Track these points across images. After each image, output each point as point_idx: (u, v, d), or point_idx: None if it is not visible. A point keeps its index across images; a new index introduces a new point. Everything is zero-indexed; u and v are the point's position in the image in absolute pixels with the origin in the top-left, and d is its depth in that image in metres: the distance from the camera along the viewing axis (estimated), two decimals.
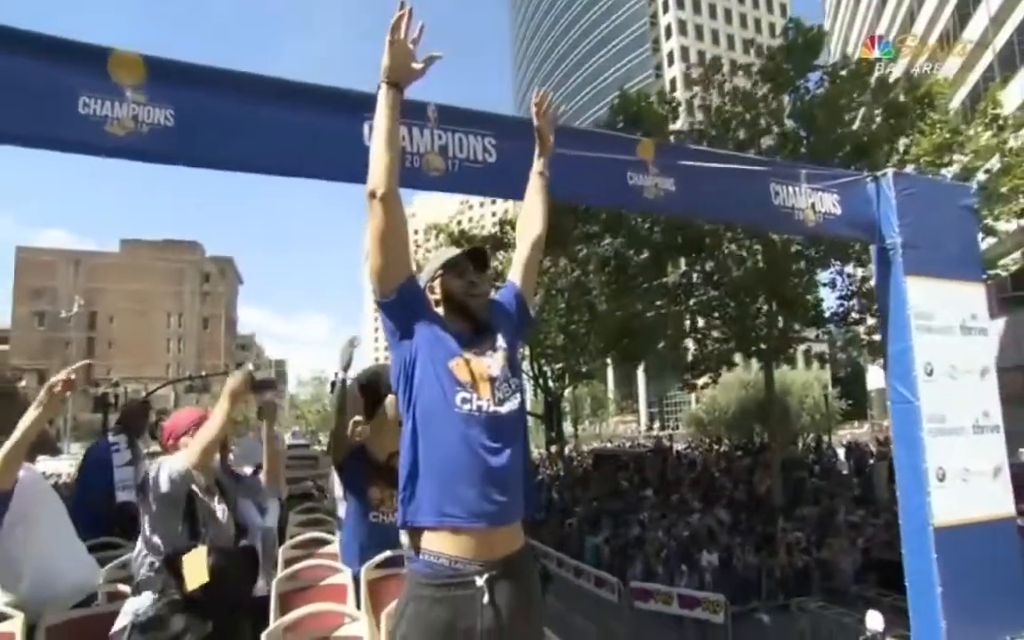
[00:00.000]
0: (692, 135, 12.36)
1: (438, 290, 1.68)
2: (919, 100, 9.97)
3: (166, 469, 2.04)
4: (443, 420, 1.44)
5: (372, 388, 2.58)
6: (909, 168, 9.94)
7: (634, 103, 11.25)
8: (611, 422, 63.90)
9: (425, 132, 4.54)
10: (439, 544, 1.40)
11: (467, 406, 1.46)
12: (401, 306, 1.55)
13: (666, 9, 64.22)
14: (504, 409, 1.51)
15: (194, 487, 2.16)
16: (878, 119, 10.32)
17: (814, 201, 6.47)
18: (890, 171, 7.03)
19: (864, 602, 8.15)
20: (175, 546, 2.00)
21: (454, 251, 1.72)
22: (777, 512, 11.36)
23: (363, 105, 4.34)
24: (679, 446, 31.90)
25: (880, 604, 7.33)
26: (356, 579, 2.47)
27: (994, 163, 10.78)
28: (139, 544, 2.09)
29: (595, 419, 66.11)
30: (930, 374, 6.77)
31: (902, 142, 9.80)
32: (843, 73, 11.24)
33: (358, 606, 2.33)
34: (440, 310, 1.67)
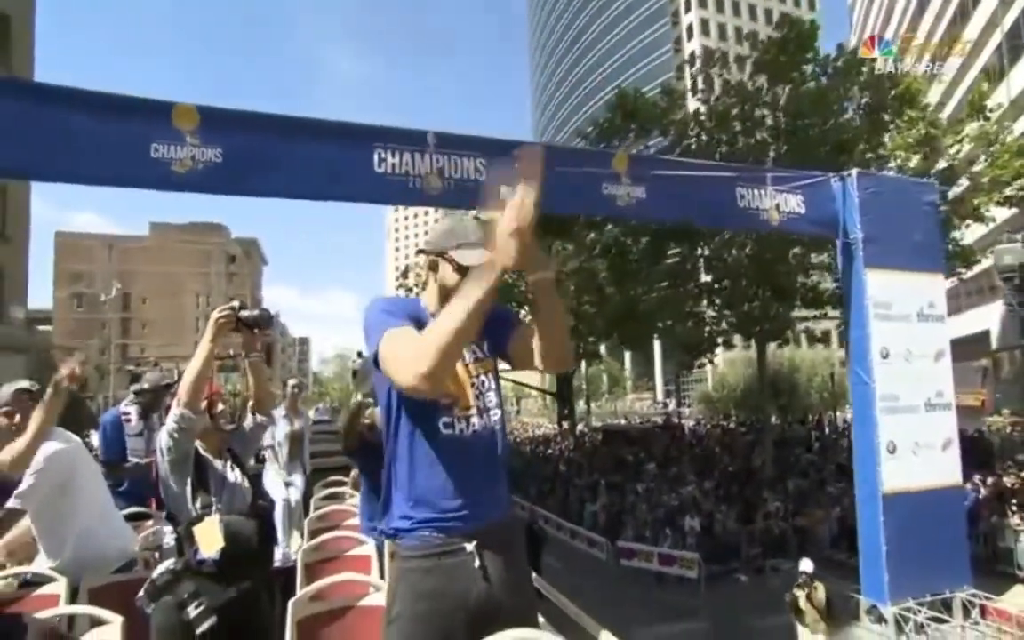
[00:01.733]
0: (691, 126, 12.85)
1: (444, 269, 1.48)
2: (898, 98, 10.34)
3: (164, 429, 2.05)
4: (427, 443, 1.39)
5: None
6: (891, 164, 10.37)
7: (631, 99, 11.83)
8: (628, 399, 64.54)
9: (426, 157, 5.41)
10: (426, 526, 1.39)
11: (449, 431, 1.40)
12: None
13: (688, 8, 62.64)
14: (488, 422, 1.46)
15: (203, 452, 2.15)
16: (859, 116, 10.72)
17: (779, 202, 7.24)
18: (855, 172, 7.75)
19: (836, 565, 8.96)
20: (190, 514, 2.01)
21: (468, 245, 1.46)
22: (763, 484, 12.13)
23: (373, 135, 5.24)
24: (690, 423, 32.58)
25: (847, 566, 8.12)
26: (380, 550, 2.45)
27: (983, 152, 11.13)
28: (164, 516, 2.16)
29: (611, 396, 66.83)
30: (885, 357, 7.57)
31: (886, 137, 10.19)
32: (837, 65, 11.61)
33: (382, 576, 2.31)
34: (434, 286, 1.53)
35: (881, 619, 7.28)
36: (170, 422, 2.03)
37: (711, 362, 17.79)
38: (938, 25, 20.95)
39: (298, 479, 4.92)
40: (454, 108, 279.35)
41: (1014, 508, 8.76)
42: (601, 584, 8.53)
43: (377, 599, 2.02)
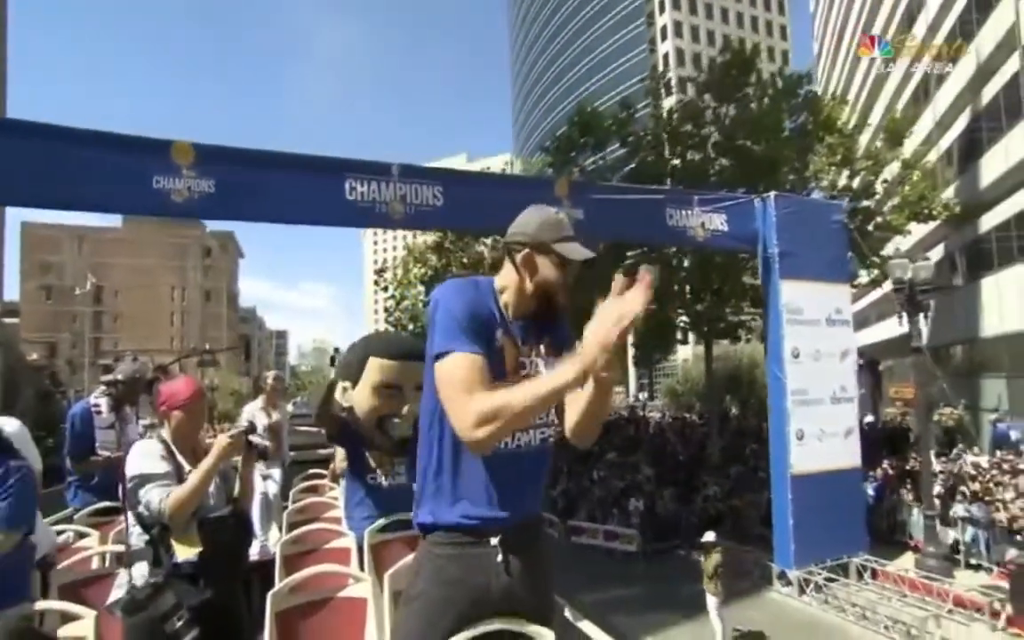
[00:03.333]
0: (645, 140, 13.80)
1: (543, 263, 1.39)
2: (821, 124, 11.49)
3: (151, 496, 1.93)
4: (473, 456, 1.33)
5: (358, 354, 2.59)
6: (824, 182, 11.46)
7: (587, 116, 12.78)
8: None
9: (390, 185, 6.24)
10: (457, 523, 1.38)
11: (500, 447, 1.33)
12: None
13: (663, 9, 63.81)
14: (535, 438, 1.42)
15: (180, 459, 2.08)
16: (790, 138, 11.80)
17: (704, 221, 8.27)
18: (773, 194, 8.80)
19: (762, 539, 10.05)
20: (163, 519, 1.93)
21: (570, 238, 1.40)
22: (701, 470, 13.30)
23: (344, 167, 6.06)
24: (656, 415, 33.88)
25: (770, 540, 9.20)
26: (359, 544, 2.44)
27: (896, 172, 12.39)
28: (130, 516, 1.99)
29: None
30: (796, 357, 8.68)
31: (813, 160, 11.28)
32: (772, 90, 12.72)
33: (361, 568, 2.30)
34: (514, 277, 1.42)
35: (788, 582, 8.40)
36: (153, 505, 1.90)
37: (663, 359, 18.81)
38: (888, 28, 22.21)
39: (276, 472, 4.87)
40: (438, 94, 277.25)
41: (909, 487, 10.01)
42: (557, 557, 9.51)
43: (357, 591, 2.01)
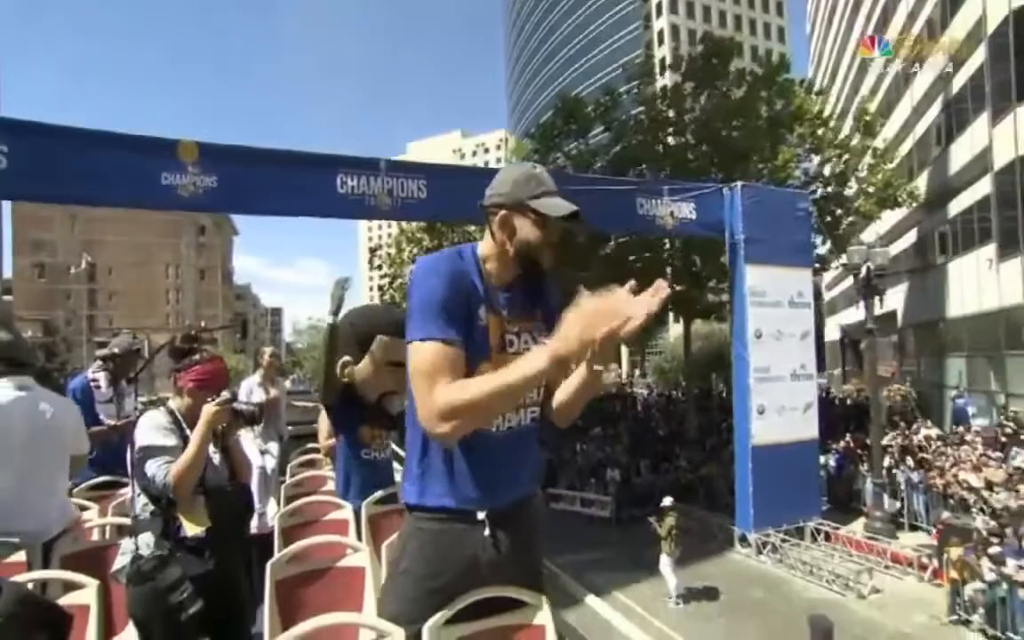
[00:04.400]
0: (630, 126, 14.22)
1: (522, 223, 1.27)
2: (794, 115, 11.96)
3: (155, 469, 1.97)
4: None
5: (363, 329, 2.47)
6: (796, 172, 11.98)
7: (570, 103, 13.19)
8: None
9: (378, 179, 6.75)
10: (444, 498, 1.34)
11: (483, 430, 1.29)
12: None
13: None
14: (524, 418, 1.36)
15: (189, 432, 2.08)
16: (763, 127, 12.27)
17: (672, 209, 8.82)
18: (739, 184, 9.34)
19: (728, 507, 10.79)
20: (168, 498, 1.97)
21: (548, 192, 1.28)
22: (682, 443, 14.07)
23: (336, 163, 6.56)
24: (643, 392, 34.72)
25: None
26: (356, 514, 2.47)
27: (867, 161, 12.92)
28: (135, 486, 2.02)
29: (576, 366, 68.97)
30: (759, 337, 9.33)
31: (782, 149, 11.77)
32: (750, 78, 13.14)
33: (359, 538, 2.31)
34: (492, 244, 1.33)
35: (747, 544, 9.16)
36: (158, 477, 1.95)
37: (656, 337, 19.43)
38: (873, 12, 22.48)
39: (273, 447, 4.87)
40: (432, 70, 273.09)
41: (864, 458, 10.77)
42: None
43: (355, 560, 2.03)
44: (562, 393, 1.35)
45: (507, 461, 1.35)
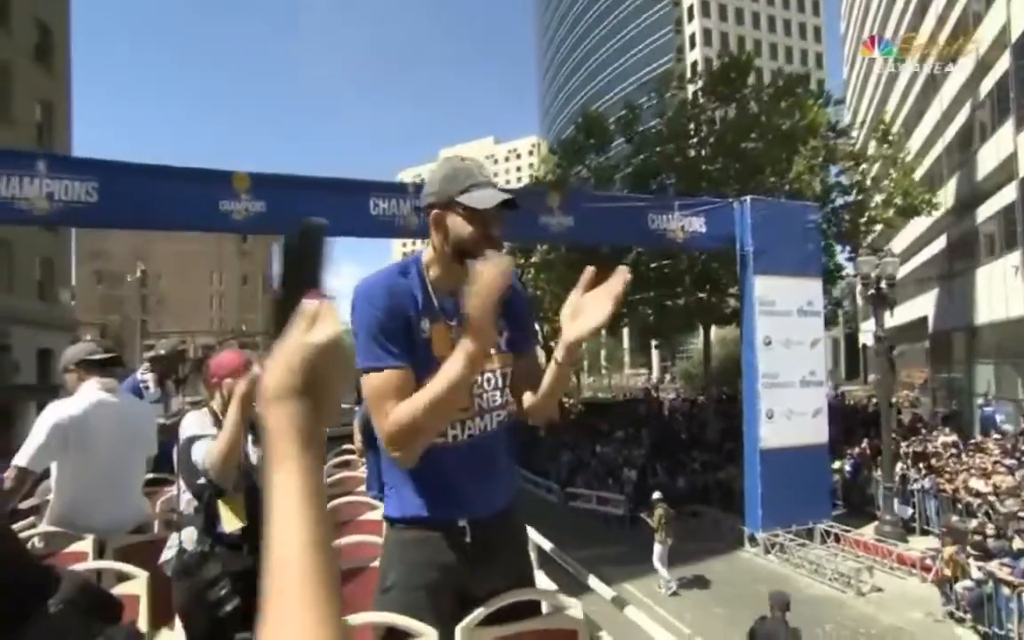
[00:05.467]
0: (646, 137, 14.59)
1: (454, 220, 1.22)
2: (808, 128, 12.11)
3: (198, 452, 2.05)
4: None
5: None
6: (804, 187, 12.17)
7: (590, 121, 13.71)
8: (624, 374, 66.73)
9: (407, 201, 7.43)
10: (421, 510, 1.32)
11: (442, 439, 1.27)
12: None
13: None
14: (488, 424, 1.32)
15: None
16: (776, 141, 12.48)
17: (683, 224, 9.29)
18: (749, 198, 9.73)
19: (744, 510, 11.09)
20: (211, 490, 2.02)
21: (478, 184, 1.22)
22: (700, 447, 14.37)
23: (369, 188, 7.30)
24: (670, 396, 34.70)
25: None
26: None
27: (886, 170, 12.98)
28: (180, 483, 2.10)
29: (609, 370, 69.17)
30: (768, 344, 9.68)
31: (796, 161, 11.95)
32: (769, 92, 13.38)
33: None
34: (431, 248, 1.29)
35: (756, 543, 9.47)
36: (200, 458, 2.02)
37: (667, 342, 19.65)
38: (903, 20, 22.11)
39: None
40: (465, 76, 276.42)
41: (877, 465, 10.89)
42: (555, 519, 10.79)
43: None
44: (533, 394, 1.34)
45: (476, 469, 1.32)
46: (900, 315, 27.98)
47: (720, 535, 10.40)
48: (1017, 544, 6.05)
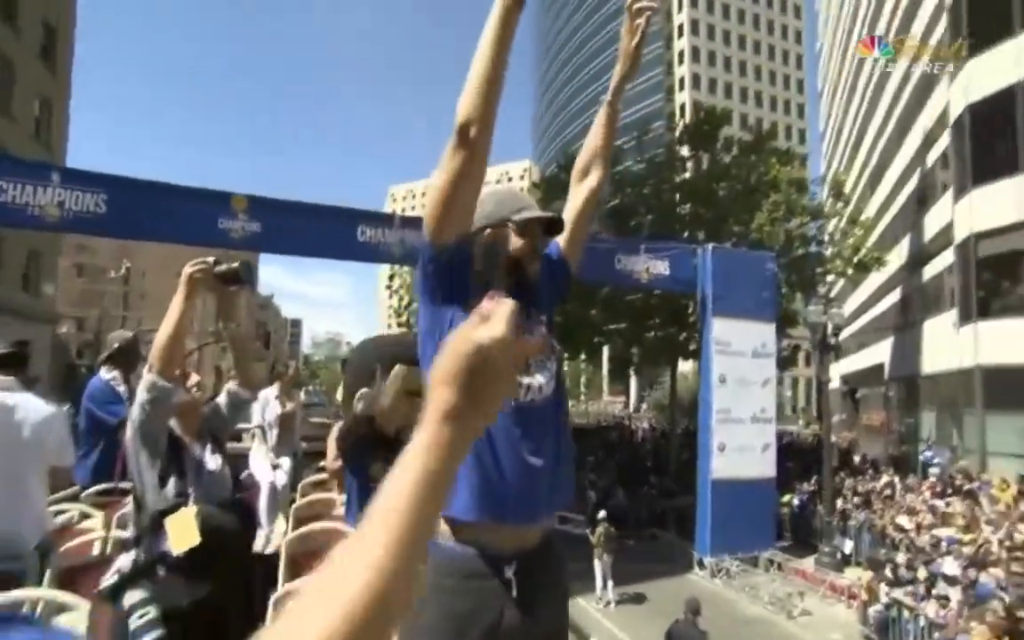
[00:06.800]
0: (628, 175, 15.42)
1: (507, 238, 1.30)
2: (770, 182, 13.07)
3: (136, 399, 1.79)
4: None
5: (386, 356, 2.04)
6: (765, 238, 13.06)
7: (571, 156, 14.51)
8: (603, 401, 67.29)
9: (394, 231, 7.98)
10: (469, 534, 1.22)
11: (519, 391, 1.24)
12: (450, 265, 1.22)
13: (680, 8, 64.39)
14: (540, 397, 1.28)
15: (179, 433, 1.91)
16: (739, 194, 13.40)
17: (648, 265, 9.98)
18: (710, 246, 10.47)
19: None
20: (159, 502, 1.76)
21: (528, 208, 1.32)
22: (650, 473, 15.04)
23: (358, 217, 7.83)
24: (644, 425, 35.41)
25: None
26: None
27: (841, 226, 13.99)
28: (137, 487, 1.82)
29: (587, 397, 69.70)
30: (723, 382, 10.36)
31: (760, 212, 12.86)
32: (734, 151, 14.35)
33: None
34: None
35: (704, 567, 10.02)
36: (141, 391, 1.79)
37: (636, 373, 20.37)
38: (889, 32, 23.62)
39: (286, 462, 4.67)
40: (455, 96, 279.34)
41: (819, 501, 11.60)
42: None
43: None
44: (576, 205, 1.48)
45: (548, 442, 1.26)
46: (862, 360, 29.31)
47: (673, 558, 10.95)
48: (922, 573, 6.69)
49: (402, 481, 0.47)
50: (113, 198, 6.35)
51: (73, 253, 62.14)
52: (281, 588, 2.02)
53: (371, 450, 1.73)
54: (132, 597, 1.68)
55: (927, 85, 15.31)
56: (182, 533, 1.71)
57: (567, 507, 1.60)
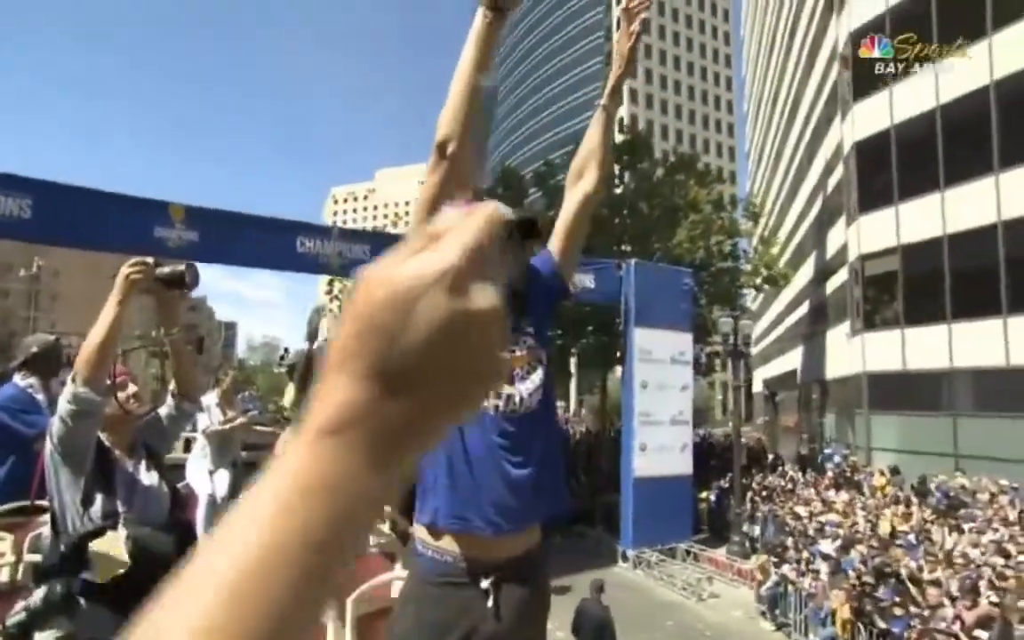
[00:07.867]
0: (560, 188, 16.19)
1: None
2: (689, 204, 14.29)
3: (57, 412, 1.57)
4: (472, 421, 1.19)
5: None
6: (700, 252, 14.18)
7: (508, 172, 15.15)
8: None
9: (331, 242, 8.22)
10: (450, 543, 1.24)
11: (496, 400, 1.24)
12: None
13: (618, 27, 67.48)
14: (522, 408, 1.28)
15: (109, 446, 1.71)
16: (663, 212, 14.55)
17: (575, 279, 10.61)
18: (633, 261, 11.32)
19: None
20: (82, 525, 1.55)
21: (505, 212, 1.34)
22: (581, 472, 15.92)
23: (296, 228, 8.02)
24: (583, 429, 36.53)
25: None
26: None
27: (754, 244, 15.42)
28: (55, 507, 1.59)
29: None
30: (644, 387, 11.18)
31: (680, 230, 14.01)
32: (664, 167, 15.48)
33: None
34: None
35: (627, 559, 10.81)
36: (63, 402, 1.57)
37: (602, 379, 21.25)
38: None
39: (225, 473, 4.50)
40: (391, 108, 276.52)
41: (732, 496, 12.74)
42: None
43: None
44: (568, 212, 1.45)
45: (534, 450, 1.27)
46: (780, 366, 31.72)
47: (600, 552, 11.66)
48: (805, 554, 7.68)
49: (246, 526, 0.28)
50: (39, 203, 6.27)
51: None
52: None
53: None
54: (44, 637, 1.50)
55: (828, 118, 17.16)
56: (108, 559, 1.53)
57: (557, 515, 1.47)
